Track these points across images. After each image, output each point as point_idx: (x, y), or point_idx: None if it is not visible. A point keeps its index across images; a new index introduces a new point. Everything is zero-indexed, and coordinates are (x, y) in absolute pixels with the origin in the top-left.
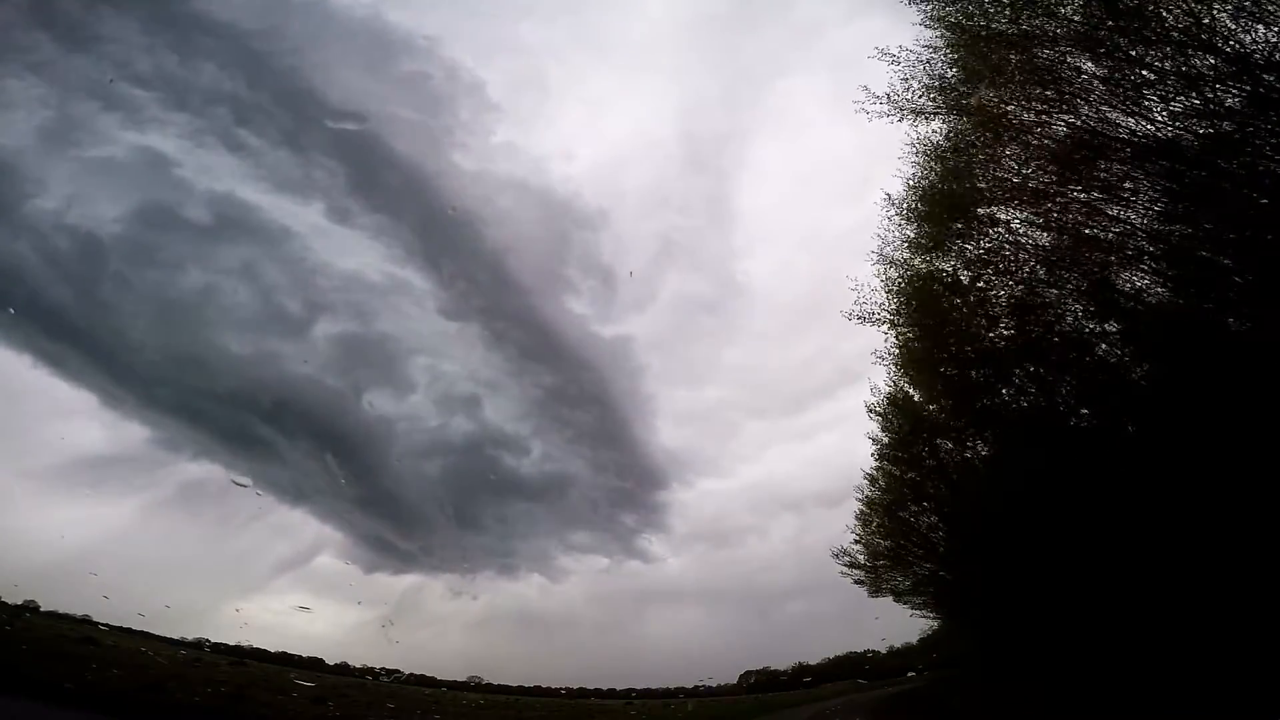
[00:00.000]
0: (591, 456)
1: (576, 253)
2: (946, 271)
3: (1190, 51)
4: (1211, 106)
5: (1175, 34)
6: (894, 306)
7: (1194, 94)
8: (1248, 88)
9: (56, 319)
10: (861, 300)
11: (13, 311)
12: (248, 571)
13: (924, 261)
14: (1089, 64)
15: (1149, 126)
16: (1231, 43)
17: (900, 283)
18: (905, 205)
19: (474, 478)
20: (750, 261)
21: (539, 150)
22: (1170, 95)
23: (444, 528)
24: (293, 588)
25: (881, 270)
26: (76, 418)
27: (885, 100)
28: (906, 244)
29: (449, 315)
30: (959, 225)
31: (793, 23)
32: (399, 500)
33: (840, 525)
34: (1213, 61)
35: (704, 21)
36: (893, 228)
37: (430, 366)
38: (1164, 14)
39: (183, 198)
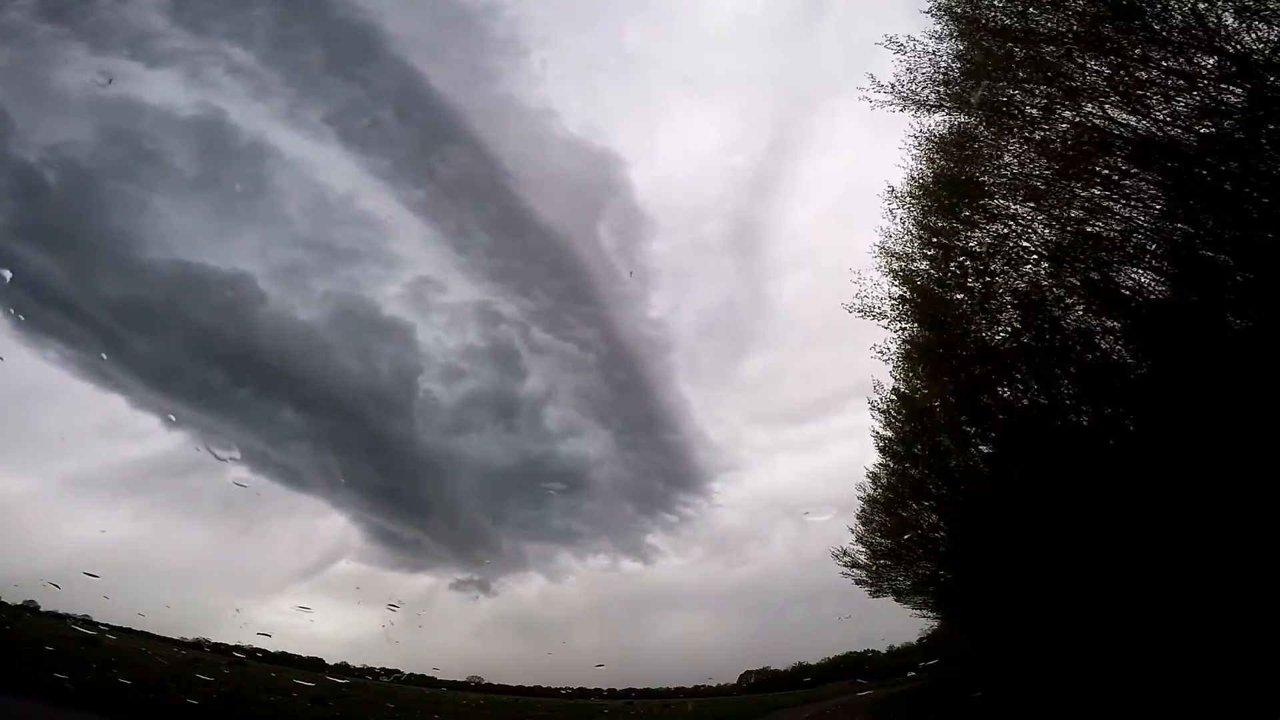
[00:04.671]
0: (602, 450)
1: (610, 244)
2: (949, 265)
3: (1192, 51)
4: (1212, 106)
5: (1176, 33)
6: (895, 300)
7: (1195, 93)
8: (1248, 87)
9: (57, 305)
10: (862, 294)
11: (23, 318)
12: (265, 574)
13: (925, 255)
14: (1092, 61)
15: (1150, 125)
16: (1233, 42)
17: (902, 276)
18: (908, 197)
19: (483, 466)
20: (777, 274)
21: (586, 147)
22: (1171, 94)
23: (451, 517)
24: (313, 591)
25: (884, 263)
26: (89, 417)
27: (890, 90)
28: (908, 236)
29: (470, 288)
30: (961, 218)
31: (851, 42)
32: (411, 489)
33: (843, 533)
34: (1214, 61)
35: (767, 37)
36: (894, 220)
37: (441, 342)
38: (1166, 13)
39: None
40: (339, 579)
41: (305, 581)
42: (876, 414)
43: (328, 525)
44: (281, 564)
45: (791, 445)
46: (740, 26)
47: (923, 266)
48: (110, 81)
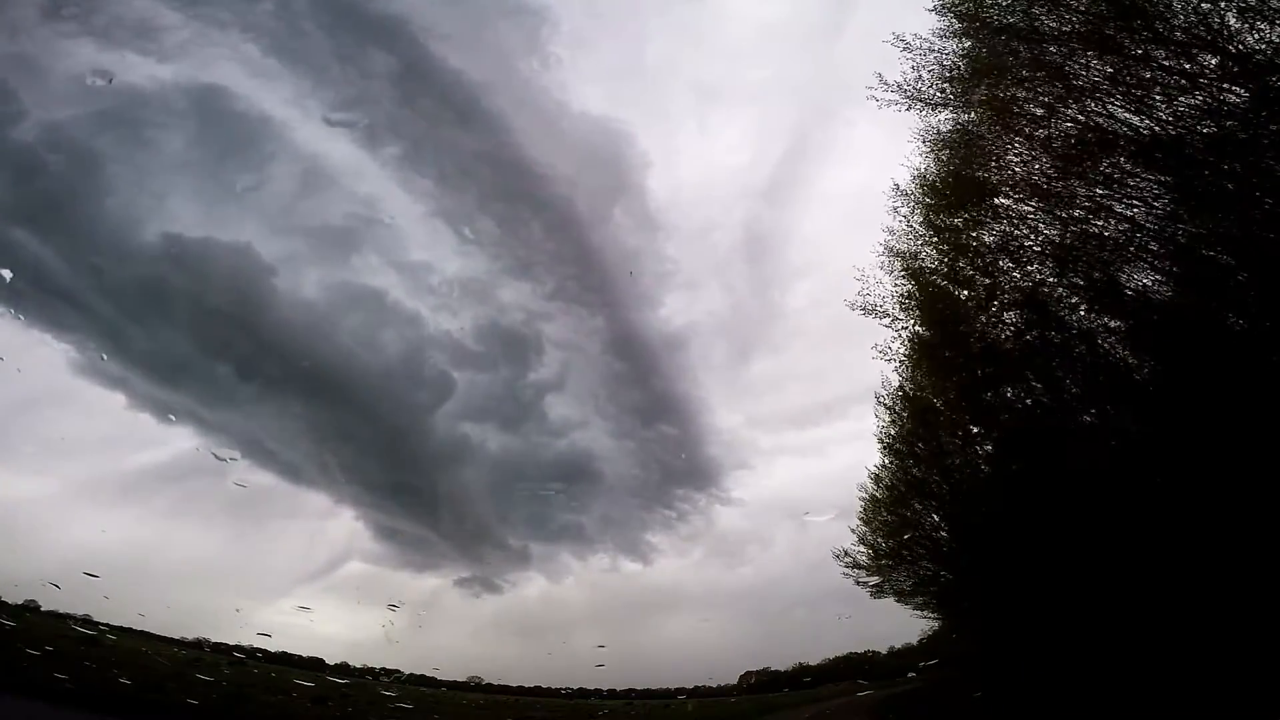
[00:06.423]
0: (604, 445)
1: (622, 243)
2: (954, 263)
3: (1195, 50)
4: (1215, 106)
5: (1179, 33)
6: (900, 298)
7: (1198, 93)
8: (1251, 87)
9: (57, 295)
10: (865, 293)
11: (22, 319)
12: (272, 576)
13: (930, 252)
14: (1095, 61)
15: (1154, 125)
16: (1235, 43)
17: (907, 274)
18: (913, 196)
19: (487, 459)
20: (786, 280)
21: (601, 147)
22: (1174, 94)
23: (456, 513)
24: (321, 592)
25: (888, 262)
26: (89, 417)
27: (897, 89)
28: (913, 235)
29: (476, 279)
30: (966, 216)
31: (872, 53)
32: (416, 483)
33: (844, 536)
34: (1217, 61)
35: (788, 47)
36: (899, 219)
37: (447, 331)
38: (1169, 13)
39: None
40: (347, 580)
41: (314, 583)
42: (881, 409)
43: (336, 526)
44: (289, 565)
45: (794, 449)
46: (762, 35)
47: (927, 264)
48: (111, 81)
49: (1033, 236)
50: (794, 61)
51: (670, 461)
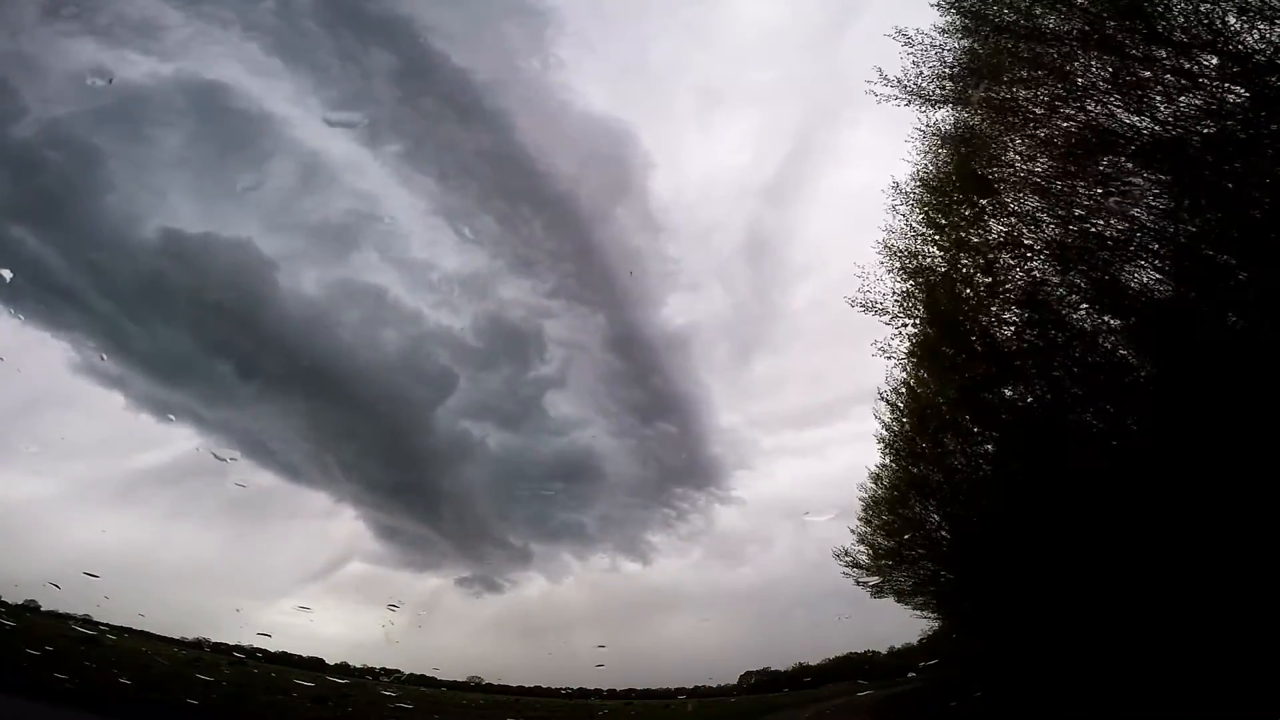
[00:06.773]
0: (605, 444)
1: (623, 242)
2: (956, 261)
3: (1194, 50)
4: (1214, 106)
5: (1179, 33)
6: (900, 296)
7: (1198, 93)
8: (1251, 87)
9: (58, 292)
10: (865, 289)
11: (22, 319)
12: (274, 576)
13: (930, 250)
14: (1095, 61)
15: (1153, 124)
16: (1235, 43)
17: (907, 271)
18: (912, 193)
19: (488, 457)
20: (788, 281)
21: (605, 146)
22: (1174, 94)
23: (458, 512)
24: (324, 592)
25: (888, 259)
26: (90, 417)
27: (896, 84)
28: (913, 232)
29: (479, 276)
30: (967, 214)
31: (876, 56)
32: (418, 482)
33: (844, 537)
34: (1217, 61)
35: (792, 48)
36: (899, 216)
37: (449, 329)
38: (1169, 14)
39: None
40: (348, 580)
41: (314, 583)
42: (883, 406)
43: (337, 526)
44: (290, 565)
45: (795, 449)
46: (766, 37)
47: (928, 262)
48: (111, 81)
49: (1033, 234)
50: (798, 63)
51: (670, 460)
